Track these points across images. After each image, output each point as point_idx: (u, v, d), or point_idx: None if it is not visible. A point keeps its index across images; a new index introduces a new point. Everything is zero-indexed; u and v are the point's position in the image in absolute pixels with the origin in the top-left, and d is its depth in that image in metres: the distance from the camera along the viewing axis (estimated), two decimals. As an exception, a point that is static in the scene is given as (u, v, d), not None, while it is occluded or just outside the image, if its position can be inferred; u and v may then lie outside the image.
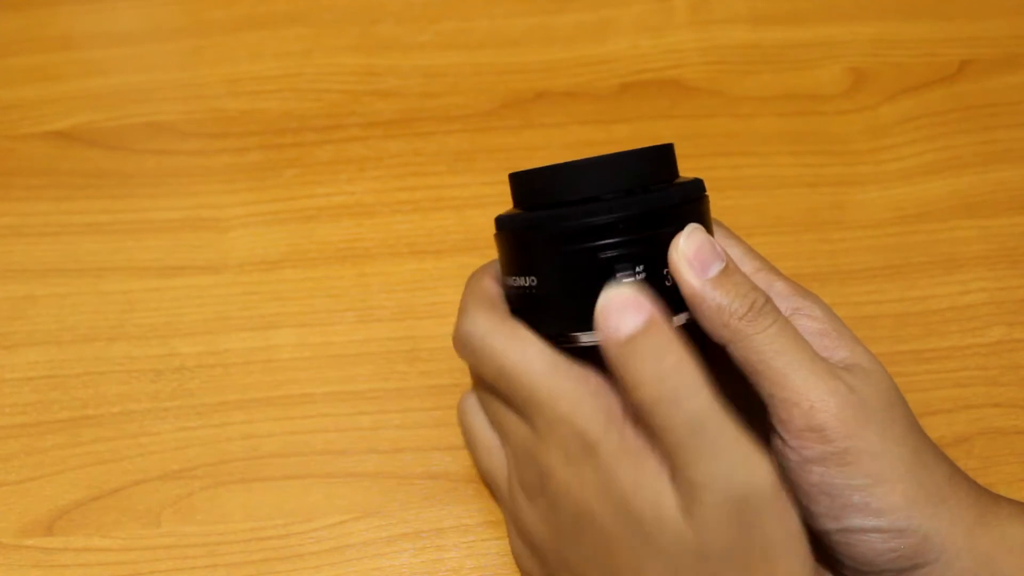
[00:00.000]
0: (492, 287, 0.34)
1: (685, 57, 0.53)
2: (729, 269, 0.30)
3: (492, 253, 0.38)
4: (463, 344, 0.33)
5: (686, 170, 0.49)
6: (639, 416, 0.29)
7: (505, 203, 0.48)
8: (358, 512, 0.39)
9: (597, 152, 0.49)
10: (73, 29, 0.56)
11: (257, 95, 0.52)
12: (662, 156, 0.33)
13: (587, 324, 0.30)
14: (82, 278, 0.46)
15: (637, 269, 0.30)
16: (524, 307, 0.33)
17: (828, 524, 0.30)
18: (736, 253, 0.34)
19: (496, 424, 0.33)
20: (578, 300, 0.31)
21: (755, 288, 0.30)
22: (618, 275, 0.30)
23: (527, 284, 0.32)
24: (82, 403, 0.42)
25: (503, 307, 0.33)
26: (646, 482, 0.28)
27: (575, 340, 0.32)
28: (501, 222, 0.34)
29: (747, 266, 0.34)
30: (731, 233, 0.36)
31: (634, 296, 0.29)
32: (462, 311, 0.34)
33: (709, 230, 0.32)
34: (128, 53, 0.54)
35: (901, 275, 0.45)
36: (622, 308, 0.29)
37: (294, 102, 0.52)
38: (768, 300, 0.30)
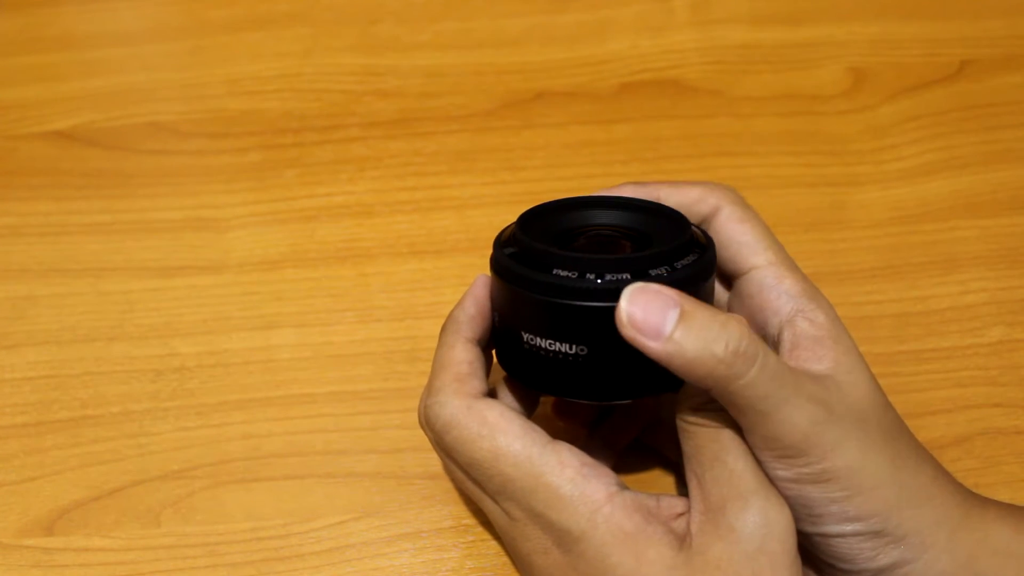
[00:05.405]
0: (463, 355, 0.32)
1: (685, 57, 0.53)
2: (687, 312, 0.27)
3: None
4: (430, 425, 0.32)
5: (686, 171, 0.49)
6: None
7: (505, 202, 0.48)
8: (358, 512, 0.39)
9: (597, 152, 0.50)
10: (73, 29, 0.56)
11: (257, 95, 0.52)
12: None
13: (647, 388, 0.31)
14: (82, 278, 0.46)
15: None
16: (562, 374, 0.30)
17: (806, 527, 0.30)
18: (749, 240, 0.33)
19: (471, 498, 0.33)
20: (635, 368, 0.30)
21: (725, 323, 0.27)
22: None
23: (571, 351, 0.30)
24: (82, 403, 0.42)
25: (473, 383, 0.32)
26: (651, 558, 0.28)
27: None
28: (533, 283, 0.30)
29: (760, 258, 0.33)
30: (748, 213, 0.34)
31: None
32: (428, 386, 0.32)
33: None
34: (128, 53, 0.55)
35: (901, 275, 0.45)
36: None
37: (294, 102, 0.52)
38: (745, 332, 0.28)
